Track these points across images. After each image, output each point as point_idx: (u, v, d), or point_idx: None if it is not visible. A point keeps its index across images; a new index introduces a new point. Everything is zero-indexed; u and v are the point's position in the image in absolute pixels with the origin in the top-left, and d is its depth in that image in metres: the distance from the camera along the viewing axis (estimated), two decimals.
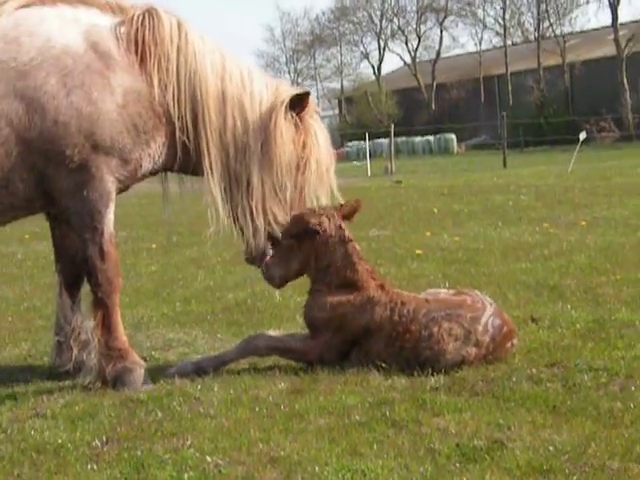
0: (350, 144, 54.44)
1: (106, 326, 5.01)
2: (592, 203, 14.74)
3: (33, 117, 4.81)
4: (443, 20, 68.13)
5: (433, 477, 3.47)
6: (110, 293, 5.01)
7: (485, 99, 63.47)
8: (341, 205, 5.27)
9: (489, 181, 23.20)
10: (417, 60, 68.97)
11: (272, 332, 5.37)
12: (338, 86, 76.79)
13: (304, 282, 5.39)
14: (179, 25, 5.22)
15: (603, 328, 5.68)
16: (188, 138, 5.15)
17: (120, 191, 5.17)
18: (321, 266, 5.14)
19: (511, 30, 66.71)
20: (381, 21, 70.80)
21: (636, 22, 55.41)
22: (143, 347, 5.87)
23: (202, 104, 5.15)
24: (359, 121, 64.55)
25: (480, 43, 68.19)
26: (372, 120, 62.73)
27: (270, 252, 5.27)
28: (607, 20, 58.38)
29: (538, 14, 63.00)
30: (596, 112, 48.72)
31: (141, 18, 5.14)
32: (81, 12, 5.11)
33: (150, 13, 5.18)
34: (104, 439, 4.09)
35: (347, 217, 5.22)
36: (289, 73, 75.55)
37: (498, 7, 65.33)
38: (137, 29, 5.10)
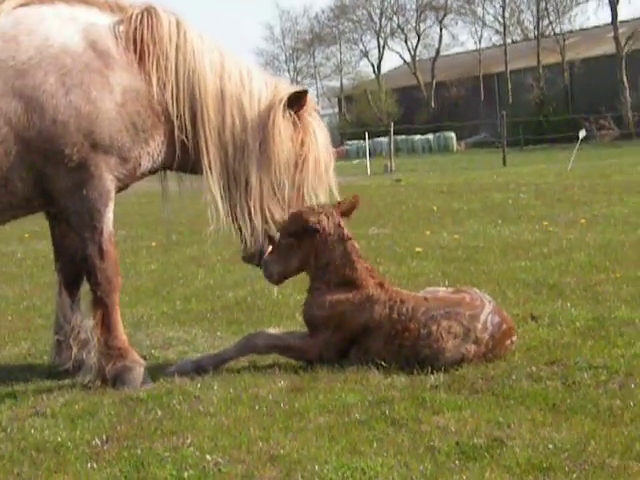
0: (350, 142, 54.39)
1: (106, 325, 5.01)
2: (592, 201, 14.73)
3: (32, 116, 4.81)
4: (443, 18, 68.14)
5: (433, 475, 3.47)
6: (109, 292, 5.00)
7: (485, 97, 63.40)
8: (339, 202, 5.26)
9: (489, 179, 23.16)
10: (417, 58, 68.95)
11: (272, 330, 5.36)
12: (338, 84, 76.87)
13: (303, 280, 5.39)
14: (178, 24, 5.21)
15: (603, 326, 5.68)
16: (187, 137, 5.15)
17: (119, 190, 5.17)
18: (320, 264, 5.14)
19: (511, 28, 66.78)
20: (381, 19, 70.89)
21: (636, 20, 55.38)
22: (143, 346, 5.87)
23: (201, 103, 5.14)
24: (359, 119, 64.56)
25: (480, 41, 68.30)
26: (372, 118, 62.71)
27: (268, 249, 5.27)
28: (607, 18, 58.26)
29: (538, 12, 62.96)
30: (596, 110, 48.70)
31: (140, 17, 5.14)
32: (80, 11, 5.10)
33: (149, 12, 5.18)
34: (104, 438, 4.09)
35: (346, 214, 5.21)
36: (289, 71, 75.68)
37: (498, 5, 65.45)
38: (136, 28, 5.09)
